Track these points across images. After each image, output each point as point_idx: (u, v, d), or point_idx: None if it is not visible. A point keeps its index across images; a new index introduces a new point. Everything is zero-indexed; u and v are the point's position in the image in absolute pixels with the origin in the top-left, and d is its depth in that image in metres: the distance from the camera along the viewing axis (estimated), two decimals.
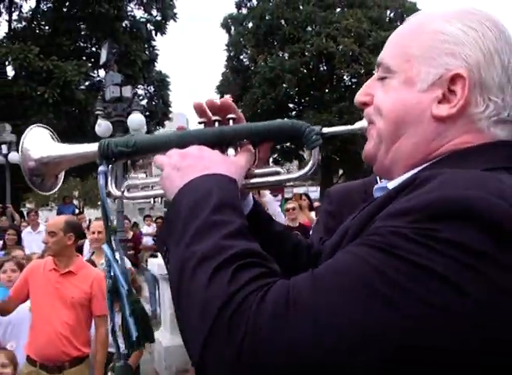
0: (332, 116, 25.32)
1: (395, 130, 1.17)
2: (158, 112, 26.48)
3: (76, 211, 21.43)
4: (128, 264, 6.63)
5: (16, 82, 21.46)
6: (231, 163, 1.24)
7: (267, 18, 28.66)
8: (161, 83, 27.08)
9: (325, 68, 28.42)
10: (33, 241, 11.10)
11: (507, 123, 1.13)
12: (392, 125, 1.17)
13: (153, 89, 27.36)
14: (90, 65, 23.80)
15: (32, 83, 21.11)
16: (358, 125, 1.28)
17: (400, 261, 0.85)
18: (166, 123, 27.89)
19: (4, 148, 17.89)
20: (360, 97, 1.27)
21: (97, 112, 12.46)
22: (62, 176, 1.48)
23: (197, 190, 1.10)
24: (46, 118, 20.48)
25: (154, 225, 15.58)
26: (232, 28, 30.76)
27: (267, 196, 7.98)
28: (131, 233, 14.54)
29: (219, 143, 1.31)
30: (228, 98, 1.36)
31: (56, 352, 4.68)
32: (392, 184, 1.16)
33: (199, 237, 1.00)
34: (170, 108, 27.94)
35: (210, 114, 1.37)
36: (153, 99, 27.31)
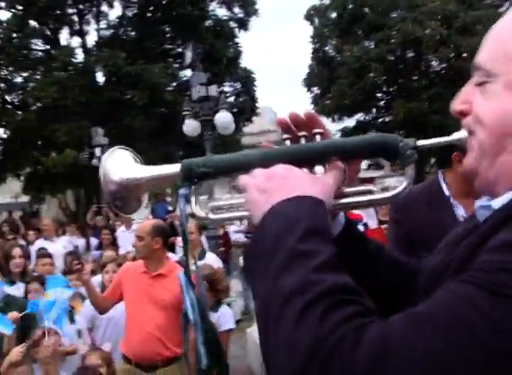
0: (422, 103, 24.50)
1: (498, 141, 1.03)
2: (245, 108, 26.58)
3: (170, 208, 21.79)
4: (216, 263, 6.64)
5: (106, 88, 22.22)
6: (319, 183, 1.14)
7: (350, 7, 28.14)
8: (247, 79, 27.20)
9: (412, 54, 27.53)
10: (127, 239, 11.23)
11: None
12: (494, 136, 1.03)
13: (240, 85, 27.55)
14: (177, 66, 24.30)
15: (122, 87, 21.78)
16: (457, 136, 1.16)
17: (508, 300, 0.77)
18: (254, 118, 27.95)
19: (97, 150, 18.56)
20: (456, 106, 1.14)
21: (185, 113, 12.71)
22: (145, 198, 1.43)
23: (284, 214, 1.03)
24: (136, 120, 21.09)
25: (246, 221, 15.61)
26: (316, 19, 30.38)
27: None
28: (221, 230, 14.66)
29: (306, 161, 1.23)
30: (312, 111, 1.28)
31: (149, 352, 4.77)
32: (496, 203, 1.04)
33: (286, 268, 0.93)
34: (257, 104, 27.96)
35: (295, 129, 1.29)
36: (240, 96, 27.49)
